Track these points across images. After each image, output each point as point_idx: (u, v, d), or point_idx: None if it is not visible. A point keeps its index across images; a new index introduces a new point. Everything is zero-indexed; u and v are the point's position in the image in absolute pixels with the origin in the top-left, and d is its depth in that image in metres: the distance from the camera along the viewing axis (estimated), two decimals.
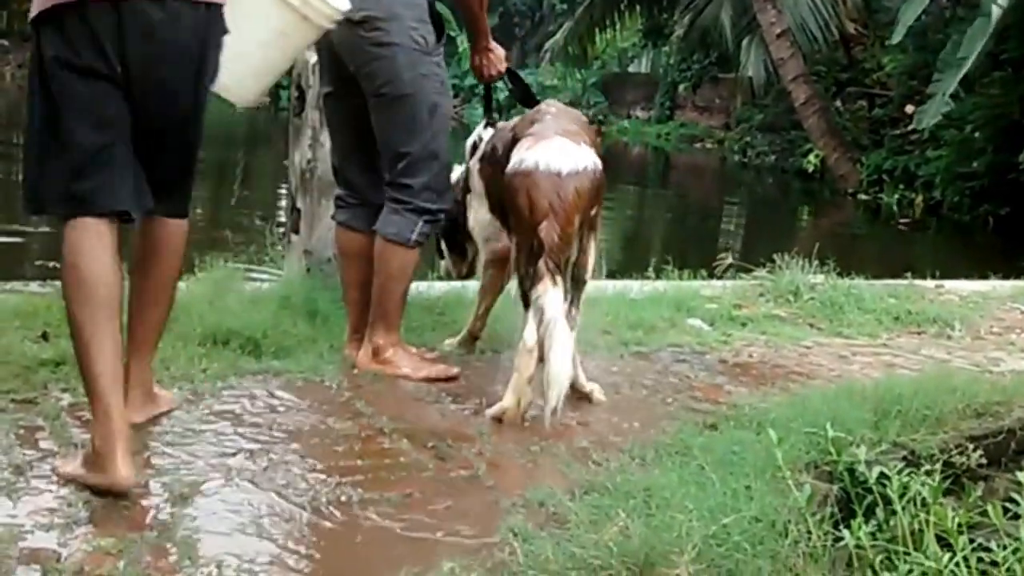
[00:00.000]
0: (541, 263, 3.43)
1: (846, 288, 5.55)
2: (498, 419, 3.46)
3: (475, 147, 4.12)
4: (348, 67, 3.86)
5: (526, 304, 3.51)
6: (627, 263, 9.28)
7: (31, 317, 3.87)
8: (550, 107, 3.85)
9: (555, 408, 3.35)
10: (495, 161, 3.83)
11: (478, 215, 4.08)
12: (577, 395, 3.70)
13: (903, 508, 2.71)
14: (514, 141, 3.70)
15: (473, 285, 4.86)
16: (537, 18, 39.94)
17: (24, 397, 3.22)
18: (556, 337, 3.39)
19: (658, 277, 5.79)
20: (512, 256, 3.72)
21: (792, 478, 2.80)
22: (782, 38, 18.35)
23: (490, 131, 4.08)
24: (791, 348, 4.67)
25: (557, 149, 3.52)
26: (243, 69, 3.34)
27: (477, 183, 4.05)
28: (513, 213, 3.58)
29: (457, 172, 4.20)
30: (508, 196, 3.58)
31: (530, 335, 3.46)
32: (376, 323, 3.90)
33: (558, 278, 3.44)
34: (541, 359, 3.43)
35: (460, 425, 3.39)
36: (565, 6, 27.25)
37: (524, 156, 3.52)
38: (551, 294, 3.42)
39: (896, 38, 15.54)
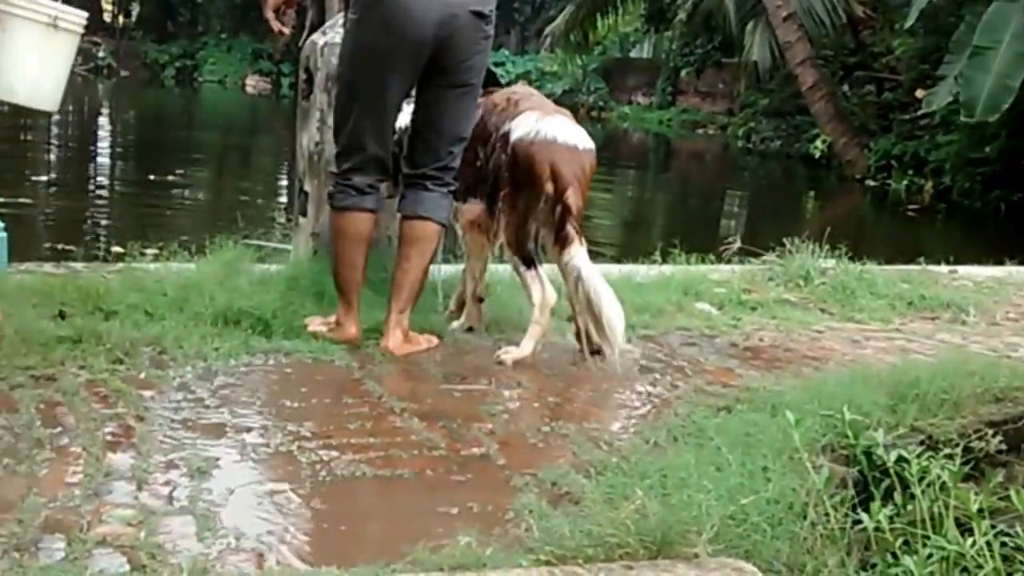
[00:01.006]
0: (570, 226, 3.83)
1: (857, 273, 5.50)
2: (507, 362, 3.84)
3: None
4: (451, 58, 3.85)
5: (529, 263, 3.92)
6: (630, 248, 9.26)
7: (47, 296, 3.90)
8: (527, 89, 4.23)
9: (619, 349, 3.83)
10: None
11: None
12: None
13: (922, 492, 2.69)
14: (484, 117, 4.03)
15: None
16: (538, 3, 39.91)
17: (43, 373, 3.25)
18: (600, 288, 3.81)
19: (664, 261, 5.74)
20: (509, 219, 3.95)
21: (809, 460, 2.79)
22: (789, 21, 18.29)
23: None
24: (802, 332, 4.64)
25: (565, 124, 3.91)
26: (32, 81, 3.88)
27: None
28: (527, 178, 3.86)
29: None
30: (522, 162, 3.84)
31: (551, 293, 3.90)
32: (407, 306, 3.93)
33: (583, 238, 3.87)
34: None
35: (470, 405, 3.38)
36: None
37: (538, 127, 3.85)
38: (582, 253, 3.86)
39: (909, 22, 15.46)
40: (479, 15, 3.84)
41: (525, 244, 3.93)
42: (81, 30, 4.04)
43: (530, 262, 3.93)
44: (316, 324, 3.94)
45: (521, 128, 3.88)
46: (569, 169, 3.83)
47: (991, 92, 13.03)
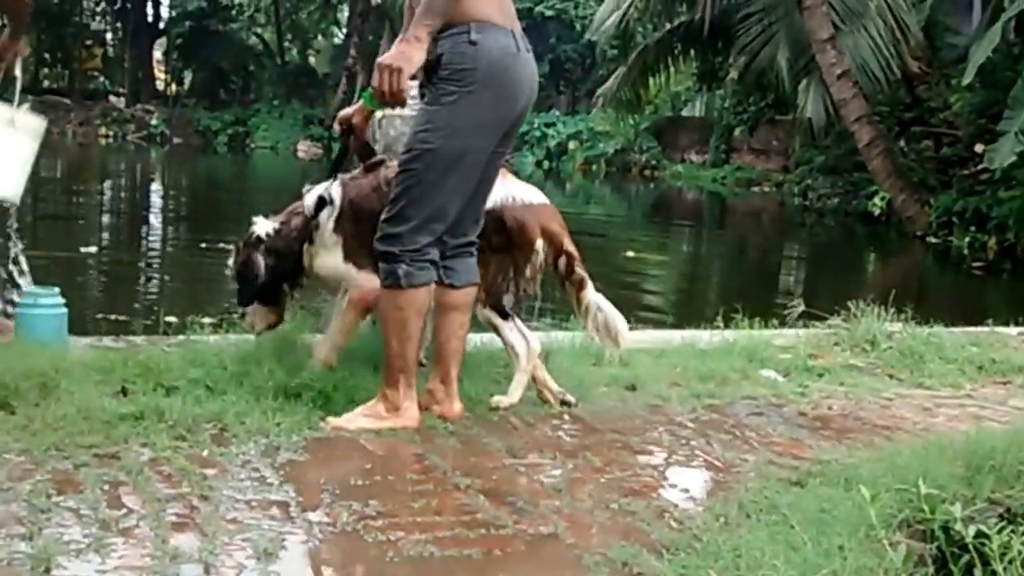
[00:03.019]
0: (579, 270, 4.17)
1: (925, 336, 5.42)
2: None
3: (322, 203, 4.23)
4: (519, 125, 3.91)
5: (505, 315, 4.12)
6: (689, 310, 9.21)
7: (108, 372, 3.90)
8: None
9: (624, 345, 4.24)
10: (359, 214, 4.14)
11: (331, 264, 4.26)
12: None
13: (1004, 569, 2.61)
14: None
15: (538, 336, 4.84)
16: (588, 64, 40.15)
17: (106, 452, 3.24)
18: (612, 313, 4.19)
19: (727, 326, 5.68)
20: (486, 278, 4.06)
21: (886, 537, 2.71)
22: (843, 79, 18.19)
23: (337, 187, 4.23)
24: (872, 400, 4.56)
25: (526, 186, 4.22)
26: None
27: (331, 237, 4.22)
28: (520, 241, 4.09)
29: (266, 225, 4.36)
30: (513, 227, 4.08)
31: (535, 341, 4.16)
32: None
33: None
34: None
35: (535, 481, 3.33)
36: (616, 52, 27.34)
37: (510, 193, 4.10)
38: (593, 289, 4.21)
39: (967, 79, 15.31)
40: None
41: (501, 298, 4.11)
42: (39, 133, 4.46)
43: (506, 314, 4.11)
44: (360, 419, 3.79)
45: (493, 195, 4.01)
46: (555, 225, 4.16)
47: None
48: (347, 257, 4.20)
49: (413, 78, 3.68)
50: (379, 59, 3.55)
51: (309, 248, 4.28)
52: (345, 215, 4.17)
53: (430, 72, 3.70)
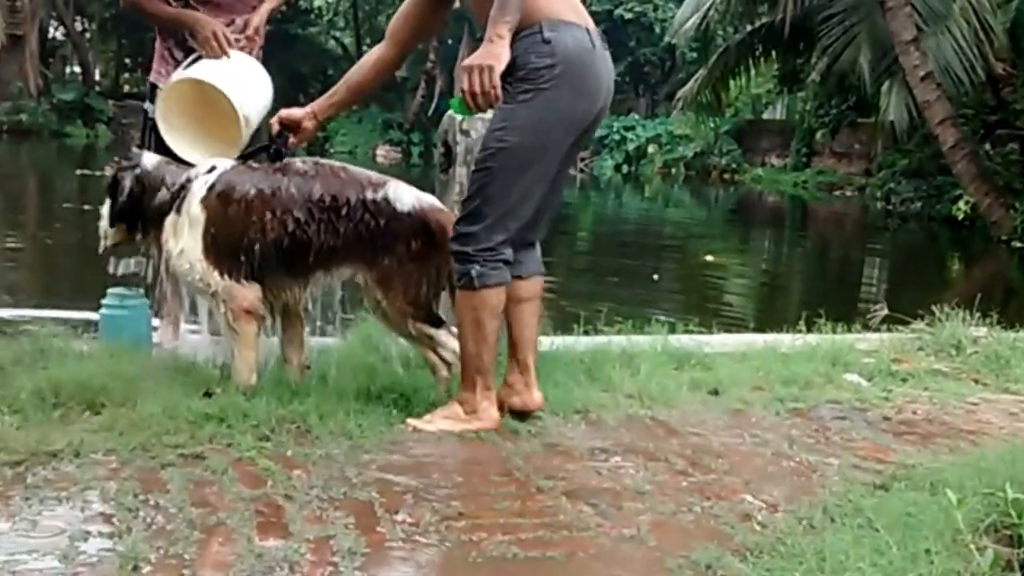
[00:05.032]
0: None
1: (1011, 341, 5.34)
2: None
3: (209, 172, 3.99)
4: (597, 124, 3.91)
5: (438, 323, 3.97)
6: (770, 316, 9.14)
7: (192, 373, 3.96)
8: (331, 161, 4.13)
9: None
10: (228, 193, 3.89)
11: (190, 253, 3.91)
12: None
13: None
14: (324, 185, 3.90)
15: (619, 340, 4.86)
16: (667, 67, 40.01)
17: (191, 452, 3.27)
18: None
19: (809, 330, 5.64)
20: (411, 287, 3.91)
21: (973, 542, 2.68)
22: (926, 81, 17.91)
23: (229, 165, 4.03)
24: (957, 405, 4.50)
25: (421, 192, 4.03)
26: None
27: (196, 208, 3.90)
28: (440, 241, 3.87)
29: (152, 158, 4.08)
30: (435, 228, 3.89)
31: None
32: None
33: None
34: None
35: (618, 483, 3.32)
36: (696, 54, 27.22)
37: (419, 195, 3.95)
38: None
39: None
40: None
41: (431, 306, 3.96)
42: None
43: (440, 321, 3.98)
44: (440, 420, 3.78)
45: (406, 196, 3.91)
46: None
47: None
48: (207, 254, 3.88)
49: None
50: (464, 62, 3.50)
51: (174, 220, 3.94)
52: (217, 187, 3.90)
53: (506, 74, 3.64)
